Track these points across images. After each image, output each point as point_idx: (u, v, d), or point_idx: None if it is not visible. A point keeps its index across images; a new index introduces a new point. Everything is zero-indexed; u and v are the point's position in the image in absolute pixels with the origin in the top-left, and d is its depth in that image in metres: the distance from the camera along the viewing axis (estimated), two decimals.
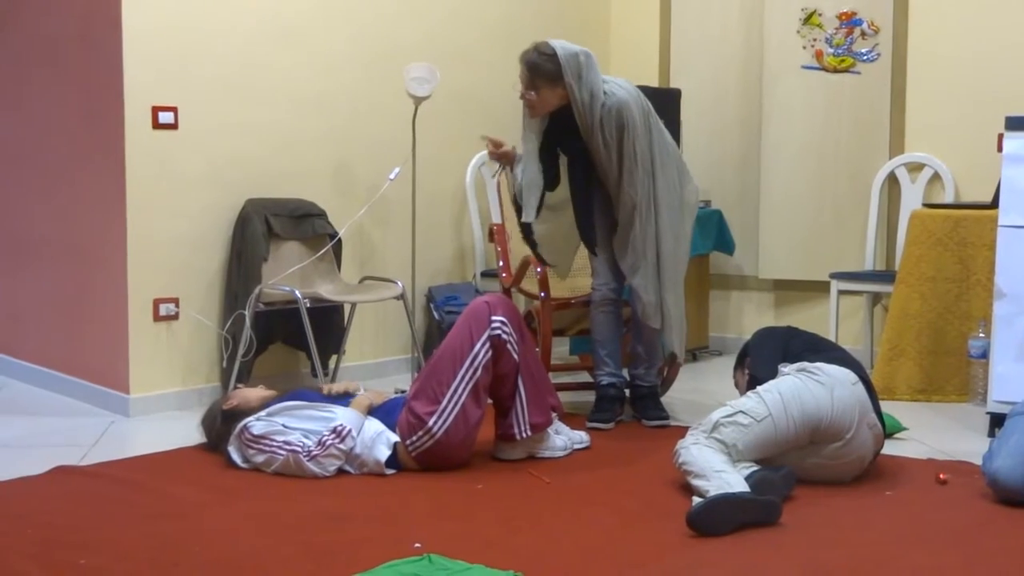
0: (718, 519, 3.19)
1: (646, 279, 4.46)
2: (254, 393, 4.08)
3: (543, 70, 4.31)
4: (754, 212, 6.27)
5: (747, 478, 3.41)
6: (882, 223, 5.95)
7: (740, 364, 4.19)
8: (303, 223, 5.11)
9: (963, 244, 5.04)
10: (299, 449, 3.74)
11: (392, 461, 3.81)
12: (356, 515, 3.40)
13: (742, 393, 4.09)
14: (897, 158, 5.90)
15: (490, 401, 3.98)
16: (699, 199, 4.89)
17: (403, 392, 4.24)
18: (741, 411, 3.61)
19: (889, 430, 4.08)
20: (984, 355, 4.79)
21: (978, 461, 3.73)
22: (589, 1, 6.74)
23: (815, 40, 6.06)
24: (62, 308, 5.11)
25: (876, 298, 5.88)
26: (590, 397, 4.73)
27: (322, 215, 5.19)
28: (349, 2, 5.46)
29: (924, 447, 4.28)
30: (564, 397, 4.48)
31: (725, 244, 6.21)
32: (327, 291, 4.97)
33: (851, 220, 6.02)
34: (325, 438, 3.75)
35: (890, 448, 4.05)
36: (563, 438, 4.14)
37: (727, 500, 3.23)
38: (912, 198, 5.78)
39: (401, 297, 5.15)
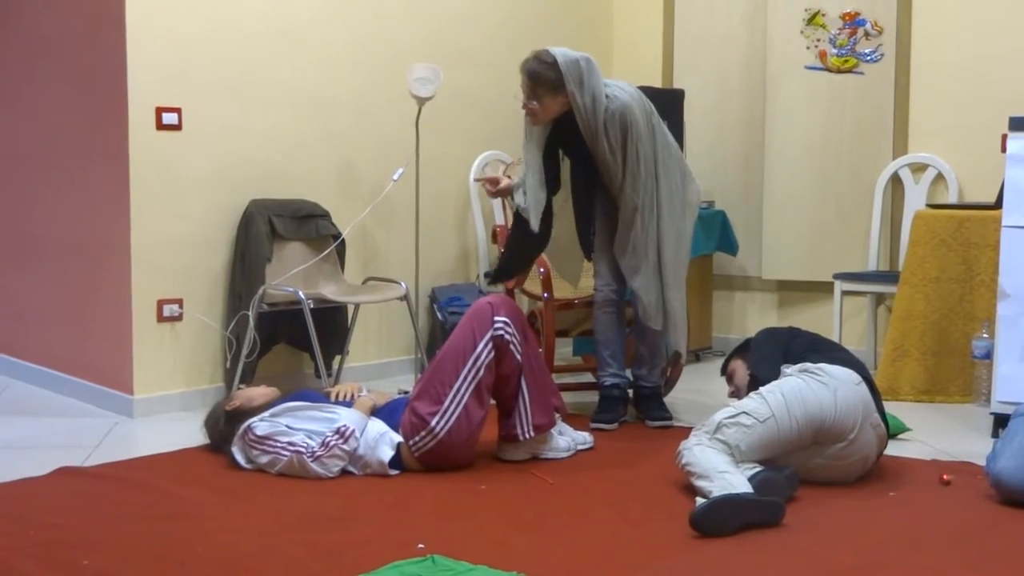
0: (721, 520, 3.19)
1: (647, 280, 4.46)
2: (257, 393, 4.08)
3: (544, 79, 4.30)
4: (757, 213, 6.27)
5: (750, 479, 3.41)
6: (886, 224, 5.95)
7: (740, 353, 4.17)
8: (307, 224, 5.12)
9: (967, 245, 5.04)
10: (303, 450, 3.75)
11: (395, 462, 3.81)
12: (360, 515, 3.40)
13: (735, 380, 4.09)
14: (901, 158, 5.89)
15: (493, 402, 3.98)
16: (701, 199, 4.88)
17: (406, 393, 4.25)
18: (744, 412, 3.61)
19: (893, 431, 4.07)
20: (988, 356, 4.78)
21: (982, 462, 3.73)
22: (592, 2, 6.74)
23: (819, 41, 6.06)
24: (66, 309, 5.12)
25: (880, 299, 5.88)
26: (593, 398, 4.74)
27: (326, 216, 5.20)
28: (353, 3, 5.46)
29: (928, 448, 4.28)
30: (567, 398, 4.48)
31: (728, 244, 6.21)
32: (331, 292, 4.97)
33: (855, 221, 6.01)
34: (328, 439, 3.76)
35: (894, 449, 4.05)
36: (567, 439, 4.14)
37: (730, 501, 3.23)
38: (916, 199, 5.78)
39: (404, 298, 5.16)
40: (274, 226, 4.97)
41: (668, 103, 5.53)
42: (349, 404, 3.96)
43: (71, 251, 5.06)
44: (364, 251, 5.56)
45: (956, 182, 5.73)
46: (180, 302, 4.85)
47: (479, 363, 3.82)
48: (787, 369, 3.80)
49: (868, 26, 5.96)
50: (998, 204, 4.68)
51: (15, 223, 5.41)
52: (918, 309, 5.09)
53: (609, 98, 4.34)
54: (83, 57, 4.89)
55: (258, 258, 4.89)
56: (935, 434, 4.48)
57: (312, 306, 4.79)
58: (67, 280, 5.10)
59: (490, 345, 3.83)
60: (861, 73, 5.98)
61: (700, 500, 3.35)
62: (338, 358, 5.27)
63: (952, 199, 5.69)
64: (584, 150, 4.42)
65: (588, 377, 5.14)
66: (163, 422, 4.67)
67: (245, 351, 4.81)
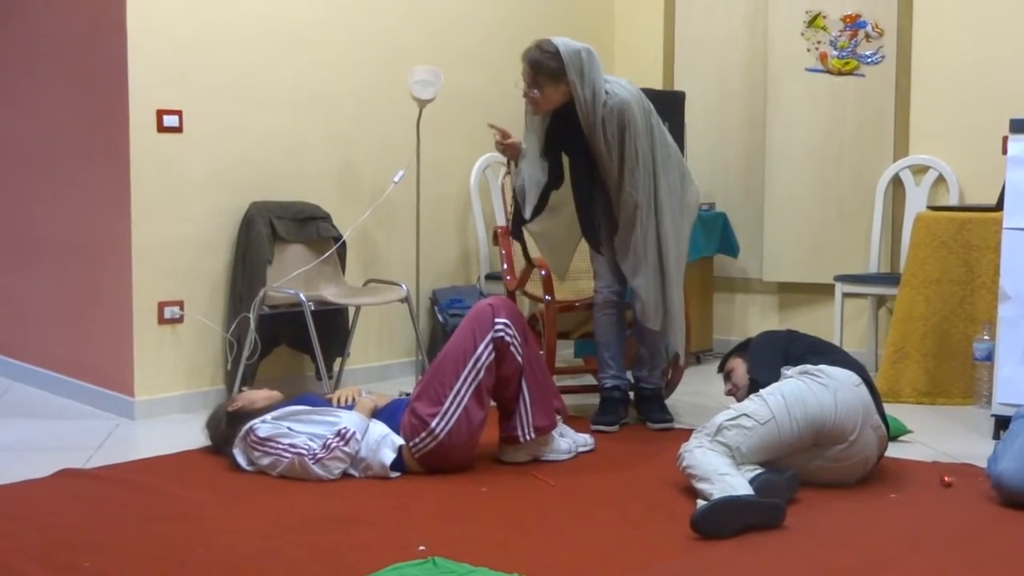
0: (722, 522, 3.19)
1: (647, 281, 4.46)
2: (259, 395, 4.09)
3: (546, 67, 4.31)
4: (758, 214, 6.26)
5: (751, 481, 3.41)
6: (887, 226, 5.95)
7: (738, 352, 4.17)
8: (307, 226, 5.12)
9: (968, 247, 5.03)
10: (304, 452, 3.75)
11: (397, 464, 3.81)
12: (361, 518, 3.40)
13: (733, 378, 4.09)
14: (901, 160, 5.89)
15: (493, 404, 3.98)
16: (702, 201, 4.88)
17: (407, 395, 4.24)
18: (745, 414, 3.61)
19: (894, 433, 4.07)
20: (989, 358, 4.78)
21: (983, 464, 3.73)
22: (593, 4, 6.75)
23: (819, 43, 6.06)
24: (66, 310, 5.12)
25: (881, 301, 5.88)
26: (595, 400, 4.74)
27: (326, 218, 5.20)
28: (353, 5, 5.46)
29: (929, 450, 4.28)
30: (568, 400, 4.48)
31: (729, 246, 6.21)
32: (331, 294, 4.97)
33: (856, 223, 6.01)
34: (330, 441, 3.76)
35: (894, 451, 4.05)
36: (568, 441, 4.14)
37: (731, 503, 3.23)
38: (917, 200, 5.78)
39: (405, 300, 5.16)
40: (275, 228, 4.97)
41: (669, 105, 5.53)
42: (351, 408, 3.96)
43: (72, 253, 5.07)
44: (365, 253, 5.56)
45: (957, 184, 5.73)
46: (181, 304, 4.85)
47: (479, 364, 3.82)
48: (787, 371, 3.80)
49: (869, 28, 5.96)
50: (999, 206, 4.68)
51: (16, 224, 5.41)
52: (919, 311, 5.09)
53: (608, 93, 4.34)
54: (84, 59, 4.89)
55: (259, 260, 4.89)
56: (936, 436, 4.47)
57: (313, 308, 4.79)
58: (68, 282, 5.10)
59: (491, 347, 3.83)
60: (862, 75, 5.98)
61: (701, 502, 3.35)
62: (339, 360, 5.27)
63: (953, 201, 5.69)
64: (583, 145, 4.43)
65: (589, 379, 5.14)
66: (164, 424, 4.67)
67: (246, 353, 4.81)
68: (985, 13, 5.66)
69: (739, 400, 3.88)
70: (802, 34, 6.10)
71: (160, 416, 4.75)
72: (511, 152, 4.58)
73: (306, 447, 3.76)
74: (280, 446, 3.77)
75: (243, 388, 4.44)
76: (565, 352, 5.73)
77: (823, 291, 6.00)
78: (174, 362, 4.86)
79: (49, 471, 3.83)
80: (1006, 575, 2.98)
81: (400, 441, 3.82)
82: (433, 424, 3.77)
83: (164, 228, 4.77)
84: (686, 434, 3.79)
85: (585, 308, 4.89)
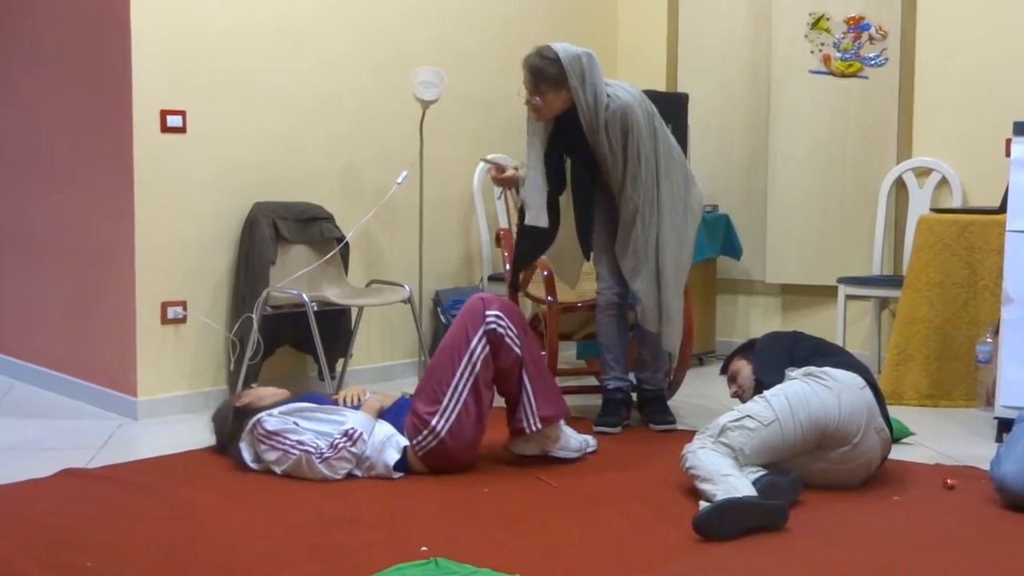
0: (724, 524, 3.18)
1: (647, 283, 4.46)
2: (267, 393, 4.09)
3: (546, 74, 4.31)
4: (761, 216, 6.26)
5: (754, 482, 3.41)
6: (890, 228, 5.95)
7: (742, 354, 4.17)
8: (310, 226, 5.12)
9: (971, 249, 5.03)
10: (312, 450, 3.74)
11: (400, 464, 3.81)
12: (363, 518, 3.40)
13: (739, 380, 4.09)
14: (905, 163, 5.89)
15: (498, 402, 3.98)
16: (705, 203, 4.87)
17: (409, 395, 4.24)
18: (748, 415, 3.61)
19: (896, 435, 4.07)
20: (991, 360, 4.77)
21: (985, 466, 3.72)
22: (596, 5, 6.75)
23: (823, 45, 6.06)
24: (70, 311, 5.13)
25: (884, 303, 5.88)
26: (597, 401, 4.74)
27: (329, 219, 5.20)
28: (357, 6, 5.47)
29: (931, 452, 4.28)
30: (571, 401, 4.47)
31: (732, 248, 6.21)
32: (334, 295, 4.97)
33: (859, 225, 6.01)
34: (337, 441, 3.76)
35: (897, 453, 4.05)
36: (578, 439, 4.13)
37: (733, 505, 3.23)
38: (920, 203, 5.78)
39: (408, 301, 5.16)
40: (278, 228, 4.97)
41: (672, 107, 5.53)
42: (357, 407, 3.96)
43: (75, 253, 5.07)
44: (368, 254, 5.56)
45: (960, 186, 5.73)
46: (184, 304, 4.85)
47: (474, 358, 3.82)
48: (791, 373, 3.80)
49: (872, 30, 5.96)
50: (1002, 209, 4.68)
51: (20, 225, 5.42)
52: (922, 313, 5.08)
53: (611, 97, 4.34)
54: (88, 60, 4.89)
55: (262, 260, 4.90)
56: (939, 438, 4.47)
57: (316, 309, 4.79)
58: (71, 282, 5.11)
59: (484, 339, 3.83)
60: (865, 77, 5.98)
61: (703, 503, 3.35)
62: (341, 361, 5.27)
63: (956, 203, 5.68)
64: (586, 149, 4.43)
65: (592, 380, 5.14)
66: (167, 424, 4.67)
67: (249, 354, 4.81)
68: (989, 15, 5.66)
69: (744, 402, 3.88)
70: (805, 36, 6.09)
71: (163, 416, 4.75)
72: (509, 185, 4.59)
73: (313, 445, 3.76)
74: (288, 442, 3.77)
75: (253, 385, 4.43)
76: (567, 353, 5.73)
77: (826, 293, 6.00)
78: (177, 362, 4.86)
79: (52, 471, 3.83)
80: None
81: (405, 442, 3.82)
82: (433, 422, 3.78)
83: (167, 228, 4.78)
84: (688, 436, 3.80)
85: (587, 309, 4.89)
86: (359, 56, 5.48)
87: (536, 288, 5.01)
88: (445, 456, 3.82)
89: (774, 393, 3.67)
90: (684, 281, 4.60)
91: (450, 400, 3.80)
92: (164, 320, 4.80)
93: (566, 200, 4.65)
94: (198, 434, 4.16)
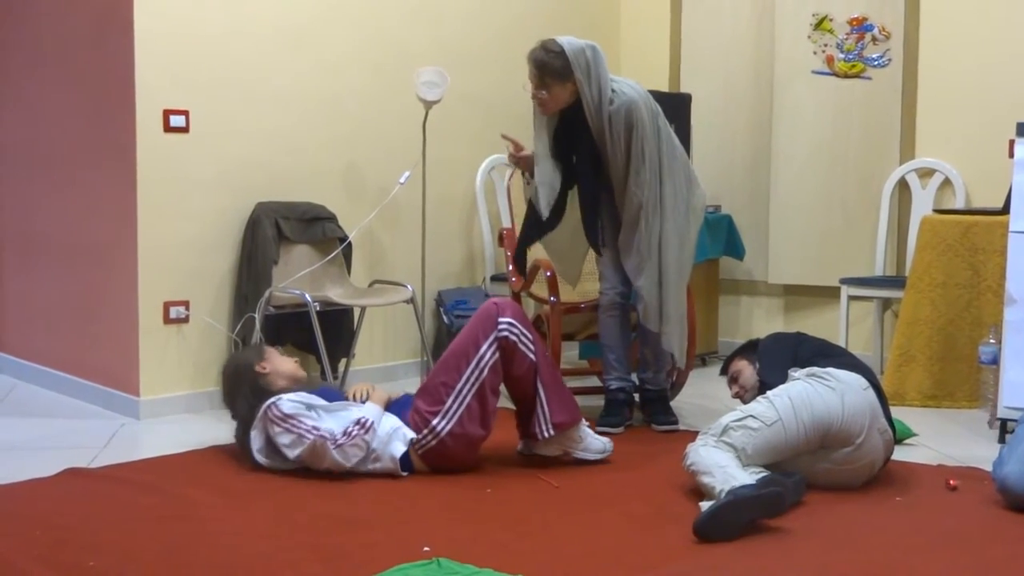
0: (725, 524, 3.18)
1: (650, 280, 4.46)
2: (286, 367, 4.03)
3: (552, 67, 4.32)
4: (764, 217, 6.26)
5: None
6: (892, 229, 5.94)
7: (744, 354, 4.16)
8: (313, 226, 5.12)
9: (974, 250, 5.03)
10: (327, 435, 3.74)
11: (405, 459, 3.81)
12: (365, 518, 3.40)
13: (741, 381, 4.08)
14: (908, 163, 5.88)
15: (503, 405, 3.98)
16: (708, 204, 4.87)
17: (413, 395, 4.25)
18: (751, 415, 3.60)
19: (899, 436, 4.07)
20: (994, 361, 4.76)
21: (988, 467, 3.72)
22: (599, 5, 6.75)
23: (826, 45, 6.05)
24: (72, 310, 5.13)
25: (886, 304, 5.88)
26: (599, 401, 4.74)
27: (332, 218, 5.20)
28: (360, 6, 5.47)
29: (934, 453, 4.28)
30: None
31: (735, 249, 6.21)
32: (337, 294, 4.97)
33: (861, 225, 6.01)
34: (351, 428, 3.75)
35: (900, 454, 4.04)
36: (601, 442, 4.11)
37: (732, 504, 3.21)
38: (923, 204, 5.77)
39: (411, 301, 5.16)
40: (281, 228, 4.98)
41: (675, 107, 5.53)
42: (366, 402, 3.97)
43: (78, 253, 5.07)
44: (370, 254, 5.56)
45: (963, 187, 5.72)
46: (186, 304, 4.85)
47: (483, 363, 3.82)
48: (795, 373, 3.79)
49: (875, 31, 5.95)
50: (1005, 209, 4.68)
51: (23, 224, 5.42)
52: (925, 314, 5.08)
53: (616, 93, 4.35)
54: (91, 59, 4.90)
55: (264, 260, 4.90)
56: (941, 439, 4.47)
57: (318, 309, 4.80)
58: (74, 281, 5.11)
59: (495, 346, 3.83)
60: (868, 78, 5.98)
61: (704, 504, 3.34)
62: (344, 361, 5.27)
63: (959, 204, 5.68)
64: (590, 144, 4.43)
65: (594, 381, 5.14)
66: (169, 424, 4.67)
67: None
68: (992, 16, 5.65)
69: (746, 403, 3.88)
70: (808, 37, 6.09)
71: (165, 416, 4.75)
72: (524, 165, 4.60)
73: (328, 431, 3.75)
74: (304, 426, 3.76)
75: (278, 348, 4.33)
76: (570, 354, 5.73)
77: (828, 294, 5.99)
78: (179, 362, 4.86)
79: (54, 470, 3.84)
80: None
81: (411, 434, 3.82)
82: (435, 422, 3.78)
83: (170, 228, 4.78)
84: (691, 436, 3.80)
85: (590, 310, 4.89)
86: (362, 56, 5.48)
87: (539, 288, 5.01)
88: (444, 456, 3.82)
89: (777, 393, 3.67)
90: (686, 282, 4.60)
91: (453, 402, 3.79)
92: (167, 320, 4.80)
93: (571, 195, 4.65)
94: (201, 434, 4.17)
